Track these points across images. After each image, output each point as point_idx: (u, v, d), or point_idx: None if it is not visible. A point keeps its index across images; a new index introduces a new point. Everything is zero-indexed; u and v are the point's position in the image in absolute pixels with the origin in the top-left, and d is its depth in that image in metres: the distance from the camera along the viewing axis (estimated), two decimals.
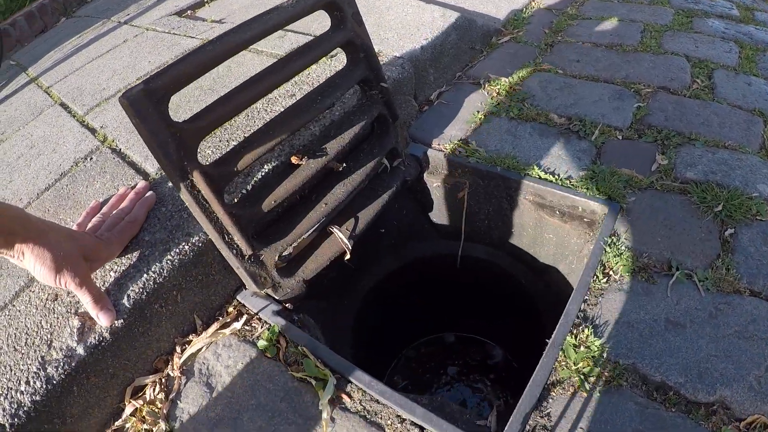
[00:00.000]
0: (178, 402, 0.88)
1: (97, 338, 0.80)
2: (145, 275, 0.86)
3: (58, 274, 0.72)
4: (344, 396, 0.88)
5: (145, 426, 0.85)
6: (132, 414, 0.87)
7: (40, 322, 0.83)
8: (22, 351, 0.79)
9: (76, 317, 0.82)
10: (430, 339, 1.72)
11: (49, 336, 0.80)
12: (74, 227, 0.91)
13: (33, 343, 0.80)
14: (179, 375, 0.91)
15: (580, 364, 0.86)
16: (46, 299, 0.87)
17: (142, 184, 0.98)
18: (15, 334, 0.82)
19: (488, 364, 1.62)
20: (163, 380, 0.91)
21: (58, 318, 0.83)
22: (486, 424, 0.86)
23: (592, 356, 0.86)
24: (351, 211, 1.15)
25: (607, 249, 1.01)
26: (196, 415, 0.86)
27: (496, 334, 1.65)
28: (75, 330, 0.80)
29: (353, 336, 1.46)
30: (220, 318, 1.01)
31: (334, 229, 1.11)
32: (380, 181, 1.22)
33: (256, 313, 1.00)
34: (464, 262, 1.46)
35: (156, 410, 0.87)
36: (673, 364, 0.83)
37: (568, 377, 0.85)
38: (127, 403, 0.87)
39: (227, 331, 0.98)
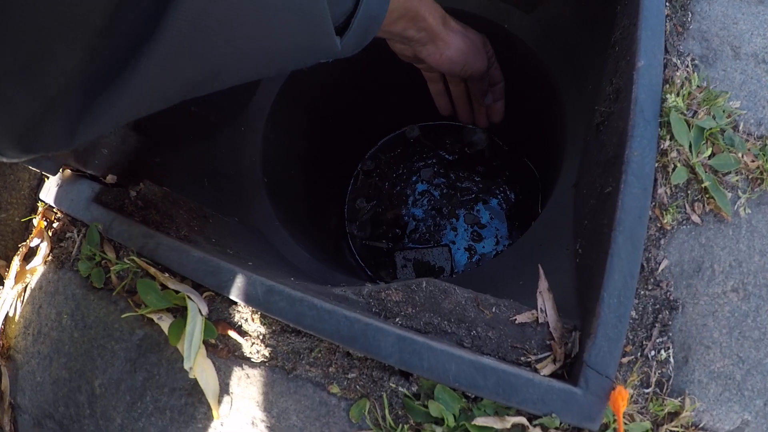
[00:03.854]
0: (18, 397, 0.51)
1: None
2: None
3: None
4: (232, 333, 0.48)
5: None
6: None
7: None
8: None
9: None
10: (388, 140, 1.30)
11: None
12: None
13: None
14: (3, 363, 0.52)
15: (706, 153, 0.44)
16: None
17: None
18: None
19: (469, 154, 1.24)
20: None
21: None
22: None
23: (721, 130, 0.45)
24: None
25: None
26: (46, 412, 0.49)
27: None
28: None
29: (301, 169, 1.04)
30: (24, 242, 0.57)
31: None
32: None
33: (67, 214, 0.55)
34: None
35: None
36: None
37: (686, 181, 0.45)
38: None
39: (35, 262, 0.55)
